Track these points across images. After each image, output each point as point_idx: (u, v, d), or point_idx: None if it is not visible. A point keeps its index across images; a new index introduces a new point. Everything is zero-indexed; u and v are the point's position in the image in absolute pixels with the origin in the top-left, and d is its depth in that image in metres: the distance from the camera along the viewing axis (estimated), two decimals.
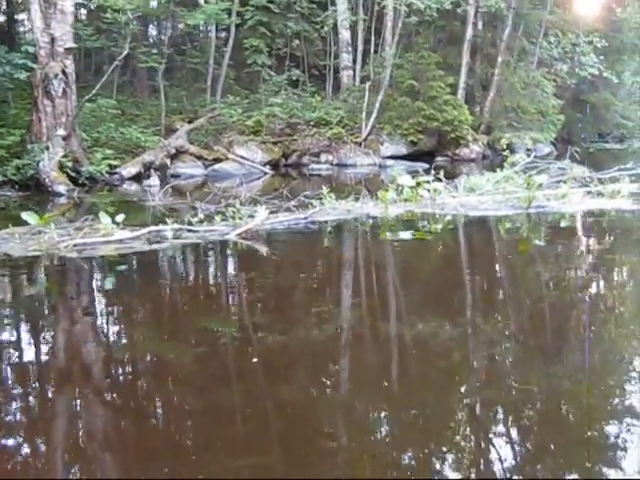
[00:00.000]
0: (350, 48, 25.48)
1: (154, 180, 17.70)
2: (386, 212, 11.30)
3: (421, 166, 21.35)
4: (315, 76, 27.77)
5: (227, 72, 24.89)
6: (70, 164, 16.94)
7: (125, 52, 18.48)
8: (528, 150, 28.43)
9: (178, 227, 9.98)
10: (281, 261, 9.15)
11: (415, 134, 22.25)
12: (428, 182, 12.21)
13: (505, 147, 25.71)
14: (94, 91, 18.22)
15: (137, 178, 18.61)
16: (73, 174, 16.98)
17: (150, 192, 14.15)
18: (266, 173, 20.18)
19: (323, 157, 22.50)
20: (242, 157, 20.89)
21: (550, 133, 27.07)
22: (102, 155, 18.47)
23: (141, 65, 21.58)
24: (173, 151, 20.29)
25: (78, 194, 15.73)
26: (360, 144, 22.59)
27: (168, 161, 19.91)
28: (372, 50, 24.96)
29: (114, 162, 18.96)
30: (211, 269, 8.76)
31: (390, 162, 22.03)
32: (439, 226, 10.83)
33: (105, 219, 9.26)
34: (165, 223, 10.02)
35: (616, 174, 14.83)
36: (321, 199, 11.52)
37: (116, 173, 18.60)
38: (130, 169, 18.87)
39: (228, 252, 9.57)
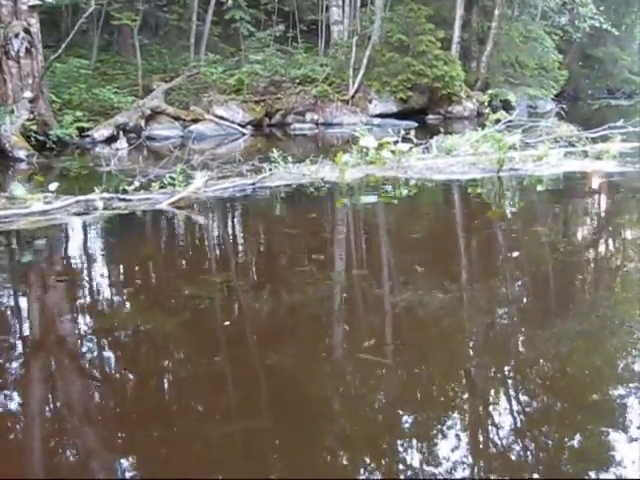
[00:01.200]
0: (340, 2, 24.25)
1: (121, 143, 16.84)
2: (342, 177, 10.39)
3: (410, 125, 20.45)
4: (307, 32, 26.63)
5: (211, 29, 23.85)
6: (36, 128, 16.08)
7: (91, 8, 17.47)
8: (530, 107, 27.50)
9: (109, 196, 9.18)
10: (214, 232, 8.34)
11: (404, 91, 21.18)
12: (393, 143, 11.24)
13: (500, 104, 24.80)
14: (60, 51, 17.25)
15: (110, 141, 17.75)
16: (41, 138, 16.14)
17: (111, 157, 13.21)
18: (244, 134, 19.26)
19: (308, 116, 21.52)
20: (221, 117, 19.96)
21: (550, 89, 25.81)
22: (73, 117, 17.62)
23: (114, 23, 20.52)
24: (148, 112, 19.38)
25: (38, 159, 14.87)
26: (347, 102, 21.55)
27: (143, 122, 19.01)
28: (360, 3, 23.73)
29: (86, 124, 18.17)
30: (126, 242, 7.91)
31: (377, 121, 21.00)
32: (392, 191, 9.91)
33: (18, 190, 8.45)
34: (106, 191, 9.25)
35: (607, 132, 13.84)
36: (273, 163, 10.62)
37: (88, 136, 17.77)
38: (102, 131, 18.03)
39: (155, 223, 8.75)
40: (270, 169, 10.50)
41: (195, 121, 19.61)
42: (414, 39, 21.20)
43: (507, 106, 25.11)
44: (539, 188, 10.15)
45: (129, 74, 22.09)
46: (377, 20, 21.30)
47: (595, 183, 10.51)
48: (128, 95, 19.77)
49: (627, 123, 13.83)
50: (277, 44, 24.54)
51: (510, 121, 13.92)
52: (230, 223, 8.81)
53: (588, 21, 25.44)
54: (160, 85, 20.39)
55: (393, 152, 11.13)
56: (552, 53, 25.88)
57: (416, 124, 20.46)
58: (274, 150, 10.79)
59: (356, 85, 21.45)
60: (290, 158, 11.21)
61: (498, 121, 13.96)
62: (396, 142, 11.40)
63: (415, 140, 12.28)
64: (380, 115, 21.61)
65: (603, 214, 8.84)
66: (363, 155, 11.43)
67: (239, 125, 20.14)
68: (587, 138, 13.63)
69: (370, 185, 10.33)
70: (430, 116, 22.29)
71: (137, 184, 9.66)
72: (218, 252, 7.45)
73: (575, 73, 35.05)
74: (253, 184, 9.97)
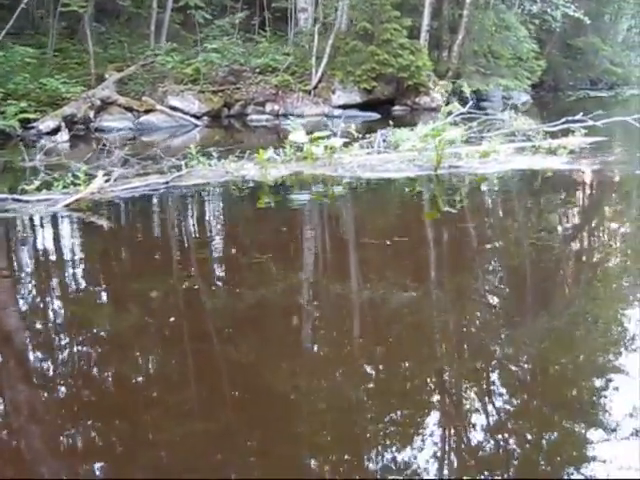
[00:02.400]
0: None
1: (62, 135, 16.06)
2: (265, 174, 9.60)
3: (372, 116, 19.71)
4: (277, 19, 25.72)
5: (172, 16, 22.92)
6: None
7: None
8: (505, 98, 26.69)
9: (2, 197, 8.39)
10: (113, 237, 7.54)
11: (368, 81, 20.35)
12: (325, 138, 10.45)
13: (473, 95, 24.02)
14: None
15: (57, 133, 16.92)
16: None
17: (38, 150, 12.36)
18: (197, 125, 18.42)
19: (269, 107, 20.68)
20: (175, 108, 19.13)
21: (524, 80, 24.99)
22: (17, 108, 16.77)
23: (63, 9, 19.59)
24: (98, 103, 18.53)
25: None
26: (310, 92, 20.71)
27: (92, 114, 18.16)
28: None
29: (32, 116, 17.35)
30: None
31: (338, 112, 20.18)
32: (312, 191, 9.13)
33: None
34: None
35: (567, 126, 13.12)
36: (191, 160, 9.82)
37: (33, 128, 16.94)
38: (48, 123, 17.20)
39: (44, 228, 7.94)
40: (189, 165, 9.70)
41: (148, 112, 18.76)
42: (379, 27, 20.35)
43: (480, 97, 24.43)
44: (475, 187, 9.40)
45: (85, 63, 21.19)
46: (340, 7, 20.43)
47: (538, 181, 9.75)
48: (80, 85, 18.90)
49: (587, 116, 13.06)
50: (243, 32, 23.70)
51: (463, 113, 13.13)
52: (114, 229, 7.96)
53: (561, 9, 24.49)
54: (112, 75, 19.50)
55: (327, 148, 10.29)
56: (526, 42, 25.02)
57: (379, 116, 19.75)
58: (191, 146, 9.96)
59: (319, 75, 20.63)
60: (215, 154, 10.42)
61: (449, 113, 13.20)
62: (329, 137, 10.57)
63: (356, 134, 11.52)
64: (344, 106, 20.79)
65: (535, 214, 8.08)
66: (295, 151, 10.62)
67: (194, 116, 19.31)
68: (545, 132, 12.89)
69: (293, 184, 9.54)
70: (396, 107, 21.47)
71: (37, 183, 8.83)
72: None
73: (556, 63, 34.22)
74: (167, 183, 9.16)
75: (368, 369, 4.01)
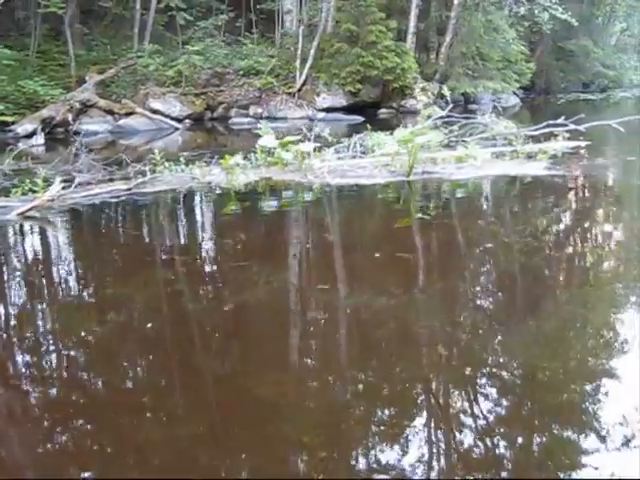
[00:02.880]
0: None
1: (37, 139, 15.78)
2: (231, 181, 9.31)
3: (356, 119, 19.42)
4: (264, 20, 25.44)
5: (156, 18, 22.61)
6: None
7: None
8: (494, 101, 26.44)
9: None
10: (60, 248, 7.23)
11: (353, 84, 20.06)
12: (295, 143, 10.15)
13: (462, 97, 23.76)
14: None
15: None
16: None
17: (7, 154, 12.02)
18: (177, 129, 18.11)
19: (252, 110, 20.40)
20: (156, 111, 18.83)
21: (513, 83, 24.71)
22: None
23: (41, 11, 19.29)
24: (78, 105, 18.23)
25: None
26: (294, 95, 20.42)
27: (71, 117, 17.86)
28: None
29: (10, 118, 17.09)
30: None
31: (321, 115, 19.95)
32: (270, 202, 8.83)
33: None
34: None
35: (549, 130, 12.87)
36: (156, 166, 9.52)
37: (11, 131, 16.67)
38: (27, 126, 16.94)
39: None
40: (154, 171, 9.40)
41: (129, 115, 18.46)
42: (364, 29, 20.06)
43: (468, 99, 24.16)
44: (445, 194, 9.09)
45: (67, 65, 20.89)
46: (324, 8, 20.14)
47: (513, 187, 9.48)
48: (60, 87, 18.61)
49: (570, 120, 12.78)
50: (228, 34, 23.43)
51: (443, 117, 12.84)
52: (69, 237, 7.65)
53: (549, 11, 24.19)
54: (93, 77, 19.20)
55: (297, 153, 9.99)
56: (515, 45, 24.73)
57: (363, 119, 19.41)
58: (155, 152, 9.65)
59: (303, 77, 20.35)
60: (182, 159, 10.12)
61: (429, 117, 12.93)
62: (300, 141, 10.27)
63: (330, 138, 11.22)
64: (329, 109, 20.51)
65: (507, 221, 7.78)
66: (266, 156, 10.33)
67: (176, 119, 19.02)
68: (528, 136, 12.63)
69: (261, 191, 9.24)
70: (382, 110, 21.18)
71: None
72: None
73: (547, 66, 33.99)
74: (129, 189, 8.86)
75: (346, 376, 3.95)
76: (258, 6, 23.67)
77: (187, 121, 19.34)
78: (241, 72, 20.67)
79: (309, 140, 11.01)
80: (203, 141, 17.52)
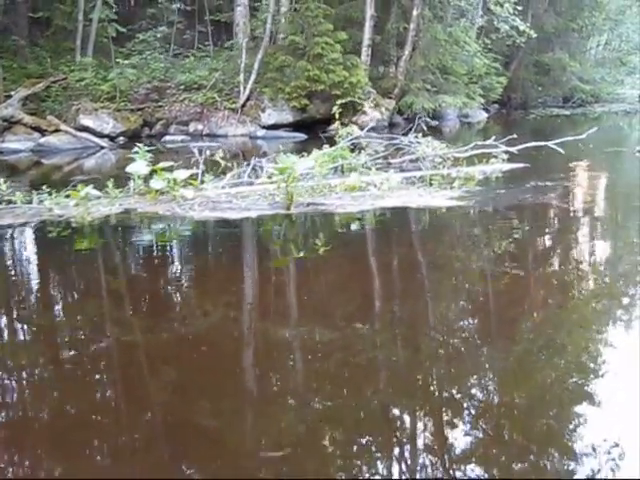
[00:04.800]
0: (246, 1, 21.89)
1: None
2: (84, 213, 8.10)
3: (298, 137, 18.32)
4: (220, 33, 24.38)
5: (100, 29, 21.49)
6: None
7: None
8: (461, 117, 25.29)
9: None
10: None
11: (299, 99, 18.89)
12: (169, 169, 8.93)
13: (423, 111, 22.59)
14: None
15: None
16: None
17: None
18: (103, 147, 16.90)
19: (192, 126, 19.24)
20: (86, 128, 17.66)
21: (477, 97, 23.53)
22: None
23: None
24: (0, 122, 17.08)
25: None
26: (238, 111, 19.25)
27: None
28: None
29: None
30: None
31: (262, 132, 18.77)
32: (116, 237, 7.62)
33: None
34: None
35: (489, 150, 11.76)
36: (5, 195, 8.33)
37: None
38: None
39: None
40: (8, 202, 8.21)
41: (53, 133, 17.29)
42: (310, 41, 18.90)
43: (433, 115, 22.98)
44: (318, 231, 7.86)
45: None
46: (268, 20, 19.00)
47: (403, 222, 8.27)
48: None
49: (499, 141, 11.61)
50: (178, 46, 22.37)
51: (360, 137, 11.68)
52: None
53: (510, 22, 23.05)
54: (19, 91, 18.04)
55: (170, 182, 8.78)
56: (479, 58, 23.55)
57: (306, 136, 18.27)
58: None
59: (247, 92, 19.19)
60: (45, 187, 8.91)
61: (348, 134, 11.75)
62: (172, 167, 9.05)
63: (223, 162, 10.00)
64: (274, 126, 19.34)
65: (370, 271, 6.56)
66: (139, 184, 9.12)
67: (108, 136, 17.86)
68: (452, 158, 11.46)
69: (113, 225, 8.02)
70: (332, 127, 19.91)
71: None
72: None
73: (524, 80, 32.87)
74: None
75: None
76: (212, 18, 22.58)
77: (121, 138, 18.15)
78: (182, 87, 19.49)
79: (203, 164, 9.86)
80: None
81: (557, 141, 11.99)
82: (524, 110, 31.49)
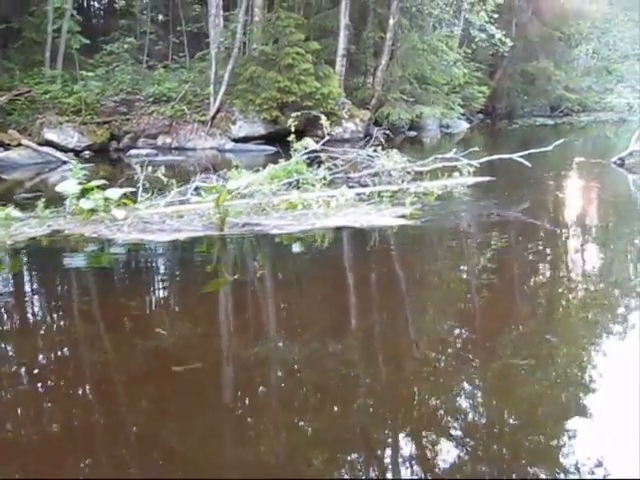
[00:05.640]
0: (221, 11, 21.45)
1: None
2: (4, 236, 7.57)
3: (267, 150, 17.83)
4: (196, 44, 23.97)
5: (69, 41, 21.02)
6: None
7: None
8: (442, 127, 24.83)
9: None
10: None
11: (270, 110, 18.41)
12: (101, 188, 8.43)
13: (401, 122, 22.15)
14: None
15: None
16: None
17: None
18: (65, 162, 16.38)
19: (160, 139, 18.77)
20: (50, 142, 17.18)
21: (457, 107, 23.08)
22: None
23: None
24: None
25: None
26: (208, 123, 18.77)
27: None
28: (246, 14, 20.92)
29: None
30: None
31: (230, 145, 18.29)
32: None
33: None
34: None
35: (455, 163, 11.29)
36: None
37: None
38: None
39: None
40: None
41: (12, 147, 16.79)
42: (281, 51, 18.45)
43: (413, 126, 22.53)
44: (246, 258, 7.35)
45: None
46: (238, 30, 18.55)
47: (341, 244, 7.76)
48: None
49: (460, 154, 11.13)
50: (151, 57, 21.95)
51: (316, 150, 11.19)
52: None
53: (488, 31, 22.62)
54: None
55: (103, 201, 8.27)
56: (458, 68, 23.10)
57: (275, 149, 17.73)
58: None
59: (217, 104, 18.71)
60: None
61: (305, 148, 11.27)
62: (104, 186, 8.55)
63: (165, 178, 9.50)
64: (245, 138, 18.87)
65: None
66: (74, 203, 8.61)
67: (73, 151, 17.37)
68: (413, 172, 10.97)
69: (37, 249, 7.49)
70: (307, 138, 19.43)
71: None
72: None
73: (509, 89, 32.48)
74: None
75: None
76: (185, 28, 22.17)
77: (86, 152, 17.65)
78: (151, 99, 19.03)
79: (144, 182, 9.36)
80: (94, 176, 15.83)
81: (522, 153, 11.51)
82: (509, 120, 31.08)
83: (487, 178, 11.66)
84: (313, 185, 10.38)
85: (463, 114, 26.84)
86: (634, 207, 10.69)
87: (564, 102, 32.80)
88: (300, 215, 8.50)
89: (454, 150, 11.45)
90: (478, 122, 28.79)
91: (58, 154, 16.49)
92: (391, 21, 21.33)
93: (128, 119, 18.84)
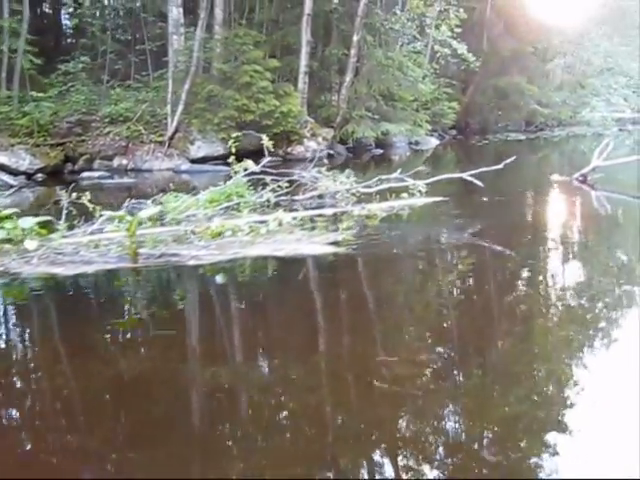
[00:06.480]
0: (182, 29, 21.01)
1: None
2: None
3: (223, 171, 17.31)
4: (159, 62, 23.51)
5: (26, 60, 20.53)
6: None
7: None
8: (411, 144, 24.46)
9: None
10: None
11: (228, 130, 17.91)
12: (11, 217, 7.92)
13: (368, 140, 21.76)
14: None
15: None
16: None
17: None
18: (12, 186, 15.85)
19: (117, 161, 18.25)
20: (0, 166, 16.65)
21: (424, 124, 22.72)
22: None
23: None
24: None
25: None
26: (166, 144, 18.30)
27: None
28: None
29: None
30: None
31: (186, 166, 17.81)
32: None
33: None
34: None
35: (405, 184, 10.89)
36: None
37: None
38: None
39: None
40: None
41: None
42: (239, 69, 18.03)
43: (381, 143, 22.15)
44: (152, 294, 6.85)
45: None
46: (195, 48, 18.12)
47: (252, 279, 7.28)
48: None
49: (404, 173, 10.72)
50: (109, 77, 21.43)
51: (256, 173, 10.74)
52: None
53: (453, 46, 22.32)
54: None
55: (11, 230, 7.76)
56: (423, 83, 22.75)
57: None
58: None
59: (174, 124, 18.24)
60: None
61: (245, 169, 10.83)
62: (14, 214, 8.04)
63: (90, 205, 8.99)
64: (204, 158, 18.39)
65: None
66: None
67: (25, 173, 16.85)
68: (359, 193, 10.54)
69: None
70: (268, 158, 18.98)
71: None
72: None
73: (481, 105, 32.21)
74: None
75: None
76: (143, 47, 21.73)
77: (39, 175, 17.13)
78: (107, 119, 18.53)
79: (66, 209, 8.86)
80: (45, 199, 15.31)
81: (472, 172, 11.10)
82: (482, 135, 30.79)
83: (439, 198, 11.23)
84: (255, 209, 9.99)
85: (435, 130, 26.52)
86: (585, 227, 10.32)
87: (538, 117, 32.52)
88: (226, 243, 8.02)
89: (399, 170, 11.02)
90: (450, 138, 28.46)
91: (5, 178, 15.97)
92: (355, 37, 20.97)
93: (83, 140, 18.34)
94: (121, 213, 7.46)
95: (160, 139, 18.46)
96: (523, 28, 31.47)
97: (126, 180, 16.47)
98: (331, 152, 20.11)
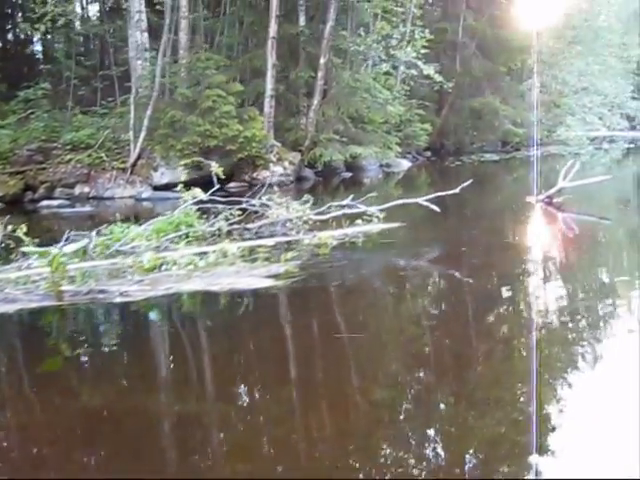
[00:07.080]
0: (147, 54, 20.73)
1: None
2: None
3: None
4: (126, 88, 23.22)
5: None
6: None
7: None
8: (383, 167, 24.22)
9: None
10: None
11: (192, 155, 17.62)
12: None
13: (340, 165, 21.51)
14: None
15: None
16: None
17: None
18: None
19: (78, 189, 17.86)
20: None
21: (394, 147, 22.48)
22: None
23: None
24: None
25: None
26: (128, 171, 17.94)
27: None
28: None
29: None
30: None
31: (147, 193, 17.46)
32: None
33: None
34: None
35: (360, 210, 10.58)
36: None
37: None
38: None
39: None
40: None
41: None
42: (201, 94, 17.76)
43: (352, 167, 21.89)
44: (70, 336, 6.47)
45: None
46: (157, 73, 17.84)
47: (179, 317, 6.93)
48: None
49: (358, 199, 10.45)
50: (79, 103, 21.10)
51: (204, 201, 10.43)
52: None
53: (421, 67, 22.18)
54: None
55: None
56: (392, 105, 22.54)
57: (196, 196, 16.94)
58: None
59: (137, 151, 17.90)
60: None
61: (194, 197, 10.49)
62: None
63: (26, 237, 8.61)
64: (168, 185, 18.02)
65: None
66: None
67: None
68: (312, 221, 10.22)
69: None
70: (232, 184, 18.69)
71: None
72: None
73: (456, 126, 32.09)
74: None
75: None
76: (106, 72, 21.45)
77: None
78: (69, 146, 18.18)
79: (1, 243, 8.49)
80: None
81: (428, 197, 10.81)
82: (457, 156, 30.63)
83: (396, 224, 10.93)
84: (205, 239, 9.69)
85: (409, 152, 26.33)
86: (544, 250, 10.06)
87: (512, 137, 32.43)
88: (161, 277, 7.66)
89: (351, 196, 10.72)
90: (424, 160, 28.27)
91: None
92: (322, 60, 20.76)
93: (44, 168, 17.95)
94: (44, 249, 7.07)
95: (122, 166, 18.10)
96: (495, 48, 31.55)
97: (87, 208, 16.11)
98: (299, 176, 19.87)
